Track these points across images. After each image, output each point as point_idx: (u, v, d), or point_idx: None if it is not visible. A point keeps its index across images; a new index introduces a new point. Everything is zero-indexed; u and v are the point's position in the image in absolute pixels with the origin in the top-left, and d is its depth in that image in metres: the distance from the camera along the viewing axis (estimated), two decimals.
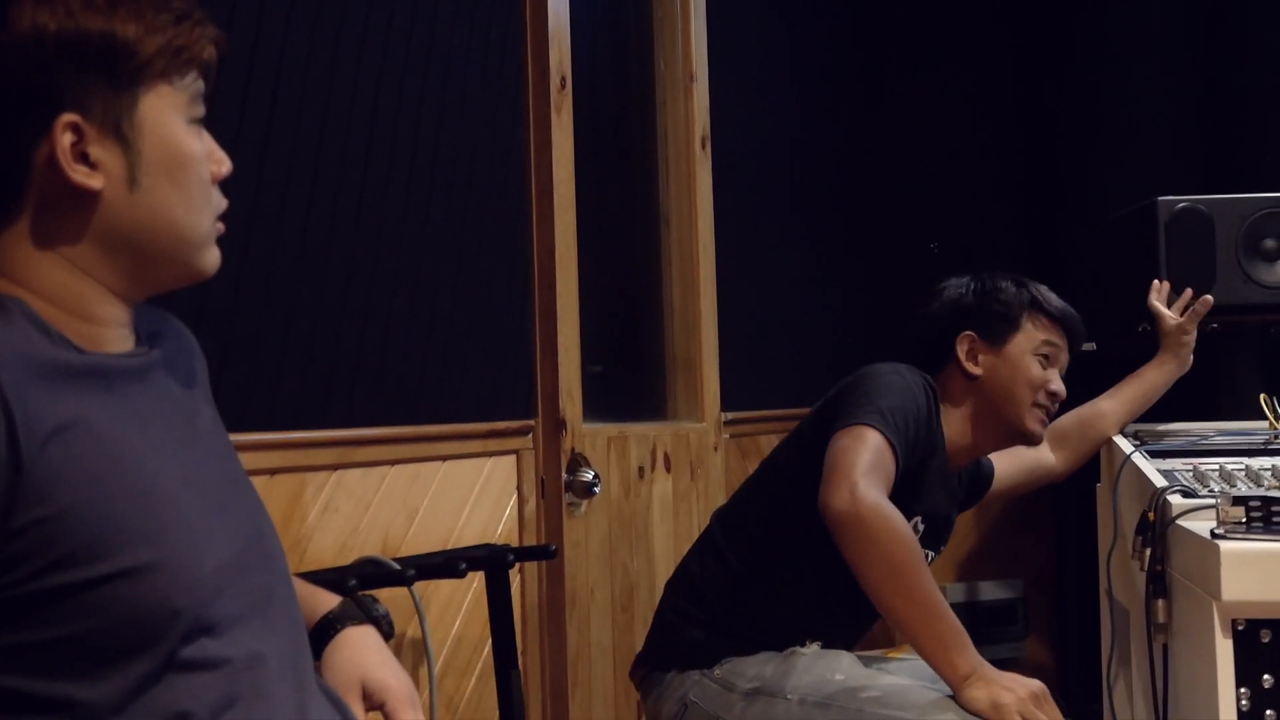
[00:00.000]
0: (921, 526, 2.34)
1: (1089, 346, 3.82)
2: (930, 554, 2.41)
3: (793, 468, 2.33)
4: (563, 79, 2.82)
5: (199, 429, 1.35)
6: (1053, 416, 2.46)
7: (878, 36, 4.45)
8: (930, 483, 2.33)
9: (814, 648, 2.24)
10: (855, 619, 2.37)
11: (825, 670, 2.18)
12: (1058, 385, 2.43)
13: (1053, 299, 2.48)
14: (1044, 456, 2.81)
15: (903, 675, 2.24)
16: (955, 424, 2.42)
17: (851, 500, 2.01)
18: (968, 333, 2.42)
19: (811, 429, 2.31)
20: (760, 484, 2.42)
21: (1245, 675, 1.91)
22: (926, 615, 2.02)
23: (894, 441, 2.12)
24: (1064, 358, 2.47)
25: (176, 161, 1.26)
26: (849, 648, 2.35)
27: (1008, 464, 2.74)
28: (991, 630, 4.35)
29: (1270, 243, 3.07)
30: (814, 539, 2.15)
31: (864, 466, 2.06)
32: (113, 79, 1.22)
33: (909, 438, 2.18)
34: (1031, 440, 2.45)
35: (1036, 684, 2.02)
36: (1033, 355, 2.41)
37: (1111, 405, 2.85)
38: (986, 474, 2.69)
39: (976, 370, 2.41)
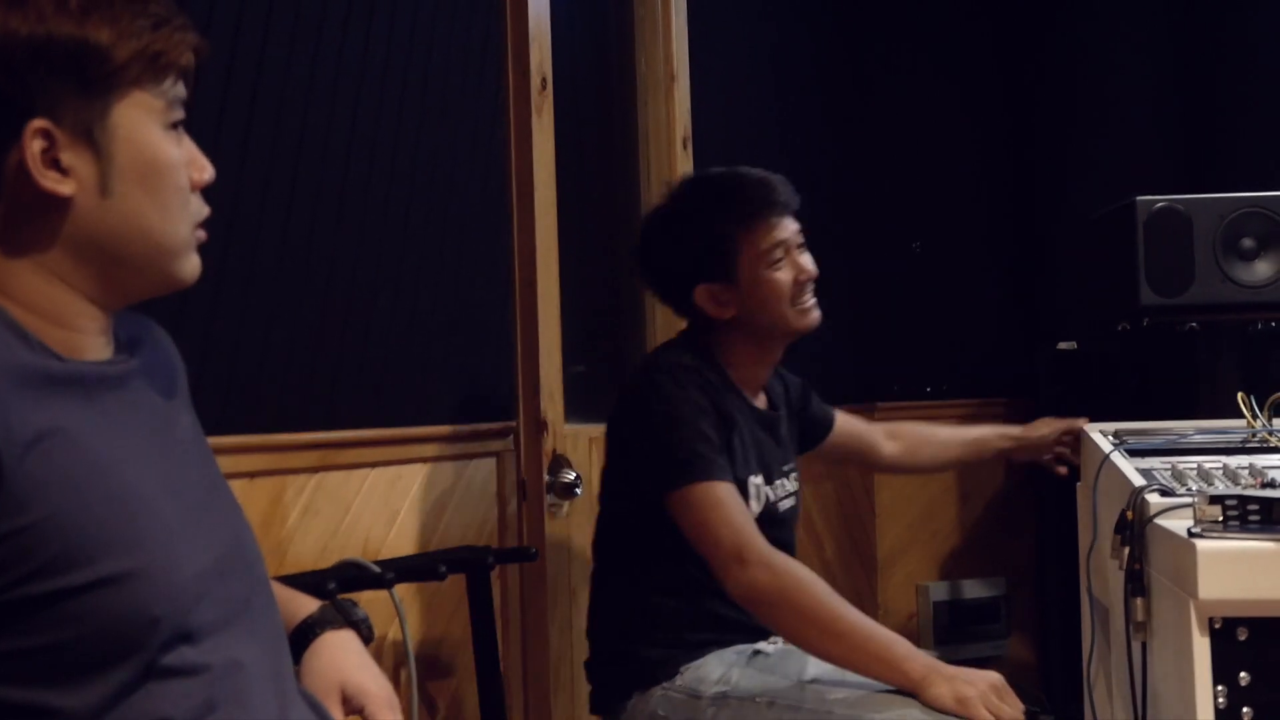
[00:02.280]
0: (759, 478, 2.33)
1: (1068, 345, 3.85)
2: (789, 481, 2.42)
3: (612, 500, 2.38)
4: (543, 79, 2.82)
5: (178, 436, 1.35)
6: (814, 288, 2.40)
7: (859, 36, 4.45)
8: (746, 442, 2.31)
9: (778, 645, 2.26)
10: None
11: (792, 671, 2.19)
12: (802, 272, 2.36)
13: (747, 192, 2.37)
14: (879, 442, 2.83)
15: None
16: (740, 356, 2.39)
17: (748, 581, 2.08)
18: (700, 285, 2.35)
19: (615, 466, 2.34)
20: (603, 518, 2.43)
21: (1222, 673, 1.92)
22: (858, 643, 2.07)
23: (719, 471, 2.16)
24: (790, 227, 2.38)
25: (151, 168, 1.25)
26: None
27: (846, 424, 2.76)
28: (974, 628, 4.37)
29: (1248, 242, 3.08)
30: (665, 548, 2.21)
31: (730, 533, 2.12)
32: (84, 85, 1.21)
33: (718, 442, 2.21)
34: (808, 331, 2.41)
35: (995, 676, 2.04)
36: (767, 267, 2.34)
37: (944, 438, 2.88)
38: (828, 419, 2.71)
39: (730, 313, 2.35)
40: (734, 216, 2.34)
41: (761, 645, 2.26)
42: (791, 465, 2.49)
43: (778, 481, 2.40)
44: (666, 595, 2.29)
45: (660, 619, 2.28)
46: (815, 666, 2.19)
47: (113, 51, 1.21)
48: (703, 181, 2.46)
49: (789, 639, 2.13)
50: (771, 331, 2.39)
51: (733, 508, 2.16)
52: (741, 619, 2.26)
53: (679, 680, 2.23)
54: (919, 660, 2.04)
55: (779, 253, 2.34)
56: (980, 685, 2.00)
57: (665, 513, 2.19)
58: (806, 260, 2.38)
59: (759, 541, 2.13)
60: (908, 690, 2.04)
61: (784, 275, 2.35)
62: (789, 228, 2.37)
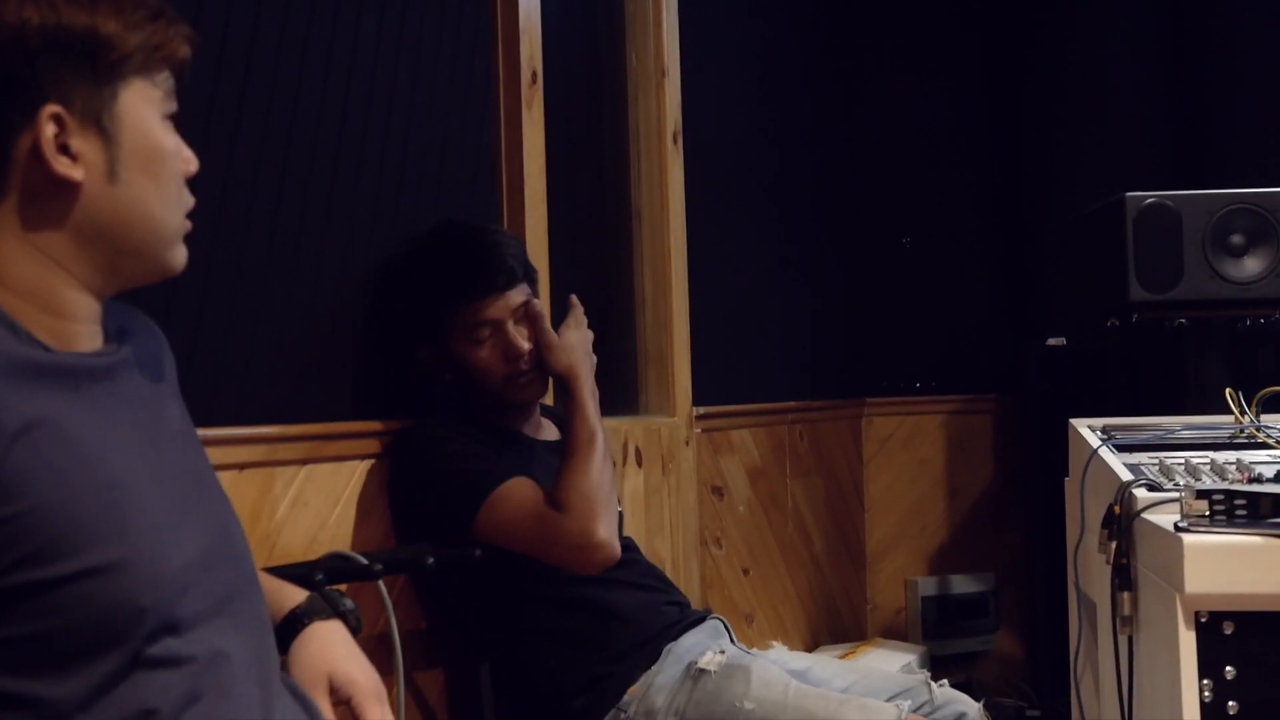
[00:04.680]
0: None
1: (1057, 341, 3.86)
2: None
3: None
4: (534, 74, 2.81)
5: (166, 427, 1.35)
6: (536, 362, 2.32)
7: (849, 32, 4.46)
8: (544, 466, 2.32)
9: (718, 660, 2.24)
10: (643, 584, 2.40)
11: (734, 697, 2.18)
12: (511, 349, 2.30)
13: (462, 269, 2.30)
14: None
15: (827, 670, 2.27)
16: (492, 409, 2.38)
17: (591, 549, 2.14)
18: (421, 345, 2.35)
19: (418, 528, 2.31)
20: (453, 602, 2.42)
21: (1208, 667, 1.93)
22: (590, 459, 2.20)
23: (494, 478, 2.19)
24: (504, 305, 2.30)
25: (154, 155, 1.28)
26: (677, 605, 2.40)
27: None
28: (963, 623, 4.38)
29: (1237, 238, 3.09)
30: (528, 585, 2.25)
31: (532, 524, 2.16)
32: (94, 72, 1.24)
33: (490, 453, 2.25)
34: (530, 402, 2.39)
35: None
36: (472, 344, 2.30)
37: None
38: None
39: (450, 377, 2.36)
40: (443, 291, 2.30)
41: (703, 663, 2.23)
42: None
43: None
44: (558, 630, 2.29)
45: (568, 656, 2.28)
46: (757, 690, 2.18)
47: (119, 41, 1.25)
48: (432, 245, 2.37)
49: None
50: (496, 399, 2.36)
51: (523, 491, 2.18)
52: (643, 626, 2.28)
53: (633, 708, 2.21)
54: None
55: (484, 332, 2.29)
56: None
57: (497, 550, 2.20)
58: (520, 338, 2.30)
59: (551, 513, 2.15)
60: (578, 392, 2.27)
61: (488, 354, 2.30)
62: (502, 305, 2.30)
